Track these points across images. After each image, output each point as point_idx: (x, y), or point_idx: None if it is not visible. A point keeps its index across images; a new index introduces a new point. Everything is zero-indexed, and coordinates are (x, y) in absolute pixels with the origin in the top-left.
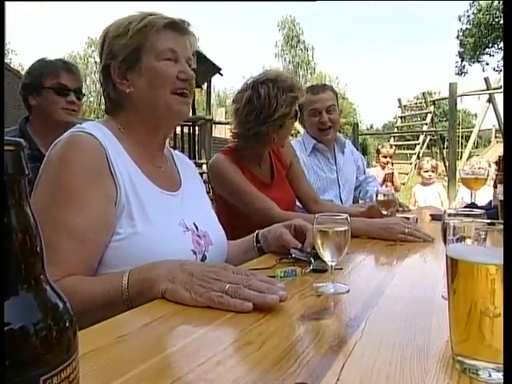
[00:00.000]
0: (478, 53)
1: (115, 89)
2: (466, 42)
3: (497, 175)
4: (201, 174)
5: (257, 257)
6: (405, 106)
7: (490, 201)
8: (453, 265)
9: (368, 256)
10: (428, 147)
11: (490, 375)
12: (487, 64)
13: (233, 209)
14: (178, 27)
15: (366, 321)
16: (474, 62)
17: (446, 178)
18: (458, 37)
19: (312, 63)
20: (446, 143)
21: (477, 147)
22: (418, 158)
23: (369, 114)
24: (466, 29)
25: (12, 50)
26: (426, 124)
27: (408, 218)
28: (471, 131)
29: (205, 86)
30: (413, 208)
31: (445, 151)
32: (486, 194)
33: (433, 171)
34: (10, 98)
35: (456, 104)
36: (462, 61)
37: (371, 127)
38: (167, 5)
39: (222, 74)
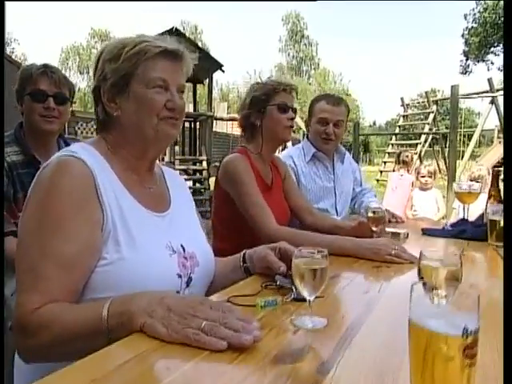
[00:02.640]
0: (483, 52)
1: (104, 110)
2: (471, 40)
3: (490, 190)
4: (200, 170)
5: (243, 277)
6: (407, 105)
7: (482, 215)
8: (410, 324)
9: (352, 281)
10: (430, 146)
11: None
12: (492, 63)
13: (231, 208)
14: (171, 55)
15: (336, 366)
16: (478, 61)
17: (447, 178)
18: (463, 35)
19: (316, 58)
20: (447, 143)
21: (479, 146)
22: (420, 157)
23: (372, 110)
24: (472, 27)
25: (15, 39)
26: (428, 124)
27: (399, 234)
28: (474, 130)
29: (206, 81)
30: (409, 213)
31: (447, 150)
32: (482, 202)
33: (430, 176)
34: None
35: (458, 106)
36: (466, 60)
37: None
38: (172, 3)
39: (223, 71)
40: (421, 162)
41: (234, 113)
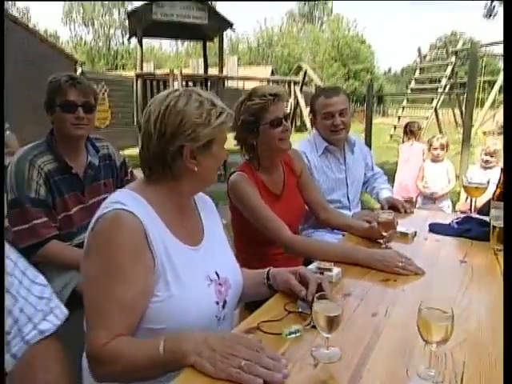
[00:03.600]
0: None
1: (180, 164)
2: None
3: (497, 188)
4: None
5: (267, 293)
6: (424, 56)
7: (489, 202)
8: None
9: (362, 300)
10: (449, 94)
11: None
12: None
13: (246, 221)
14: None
15: None
16: None
17: (462, 131)
18: None
19: (329, 4)
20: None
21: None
22: (436, 111)
23: (387, 57)
24: None
25: None
26: (446, 76)
27: (407, 234)
28: (496, 79)
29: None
30: (420, 185)
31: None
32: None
33: (442, 149)
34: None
35: (476, 65)
36: (492, 1)
37: (389, 71)
38: None
39: (234, 30)
40: (436, 116)
41: (244, 65)
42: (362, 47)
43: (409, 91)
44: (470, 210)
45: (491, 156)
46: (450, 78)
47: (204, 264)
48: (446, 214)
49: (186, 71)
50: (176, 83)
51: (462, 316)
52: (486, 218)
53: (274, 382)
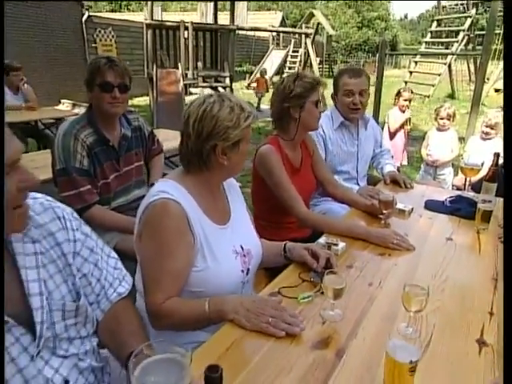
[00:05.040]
0: None
1: (214, 159)
2: None
3: (489, 170)
4: (224, 87)
5: (282, 262)
6: (443, 7)
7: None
8: (386, 355)
9: (361, 273)
10: (466, 44)
11: None
12: None
13: (267, 190)
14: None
15: (346, 352)
16: None
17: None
18: None
19: None
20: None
21: None
22: (450, 66)
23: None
24: None
25: None
26: (464, 31)
27: (404, 211)
28: None
29: None
30: (424, 152)
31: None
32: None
33: (448, 119)
34: None
35: (495, 18)
36: None
37: (405, 17)
38: None
39: None
40: (450, 72)
41: (253, 9)
42: None
43: (423, 46)
44: (464, 187)
45: (492, 128)
46: (468, 32)
47: (231, 240)
48: (442, 190)
49: (193, 17)
50: (186, 32)
51: (439, 287)
52: (476, 198)
53: (293, 333)
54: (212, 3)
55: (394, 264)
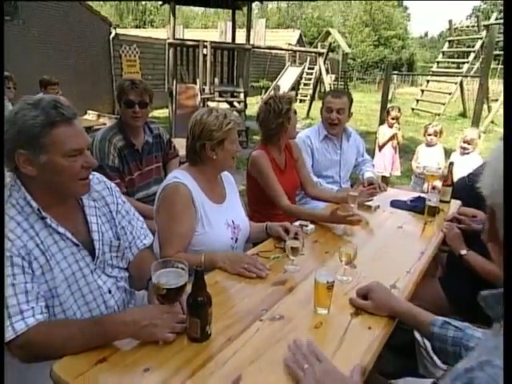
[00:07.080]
0: None
1: (205, 154)
2: None
3: (446, 176)
4: (238, 102)
5: (264, 237)
6: (455, 29)
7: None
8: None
9: (323, 245)
10: (481, 65)
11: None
12: None
13: (259, 187)
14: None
15: (296, 288)
16: None
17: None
18: None
19: None
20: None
21: None
22: (461, 87)
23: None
24: None
25: None
26: (474, 52)
27: (371, 207)
28: None
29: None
30: (414, 165)
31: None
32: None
33: (435, 135)
34: None
35: (492, 47)
36: None
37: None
38: None
39: (262, 2)
40: (462, 91)
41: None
42: (395, 12)
43: (435, 65)
44: (427, 190)
45: (468, 144)
46: (477, 54)
47: (225, 215)
48: (409, 193)
49: (213, 34)
50: (205, 50)
51: (376, 258)
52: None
53: (260, 276)
54: (231, 22)
55: (349, 241)
